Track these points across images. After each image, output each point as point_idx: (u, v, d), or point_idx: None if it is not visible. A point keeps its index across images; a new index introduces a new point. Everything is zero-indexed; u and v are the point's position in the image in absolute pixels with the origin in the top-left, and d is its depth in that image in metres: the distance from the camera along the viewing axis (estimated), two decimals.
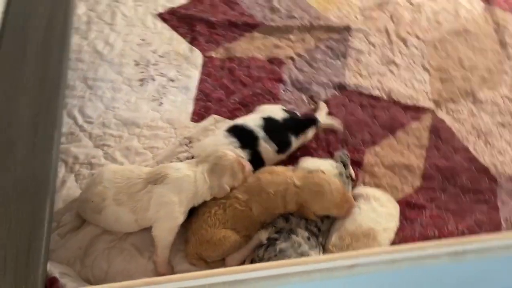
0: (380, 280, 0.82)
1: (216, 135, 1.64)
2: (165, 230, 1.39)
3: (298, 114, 1.78)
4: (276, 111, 1.71)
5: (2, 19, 1.66)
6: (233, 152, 1.51)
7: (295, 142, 1.69)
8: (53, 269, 1.38)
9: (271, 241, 1.39)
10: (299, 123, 1.71)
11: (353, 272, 0.70)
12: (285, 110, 1.73)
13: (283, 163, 1.69)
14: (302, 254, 1.35)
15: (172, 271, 1.44)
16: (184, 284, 0.98)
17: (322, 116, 1.81)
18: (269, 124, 1.64)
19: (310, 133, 1.74)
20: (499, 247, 0.81)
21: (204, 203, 1.46)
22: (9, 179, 1.31)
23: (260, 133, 1.61)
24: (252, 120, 1.66)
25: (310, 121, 1.75)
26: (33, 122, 1.44)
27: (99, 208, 1.40)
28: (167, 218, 1.38)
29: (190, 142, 1.75)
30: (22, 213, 1.27)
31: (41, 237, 1.26)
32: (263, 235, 1.41)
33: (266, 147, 1.61)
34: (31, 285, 1.18)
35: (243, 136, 1.60)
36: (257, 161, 1.58)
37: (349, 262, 0.74)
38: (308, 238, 1.39)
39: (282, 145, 1.64)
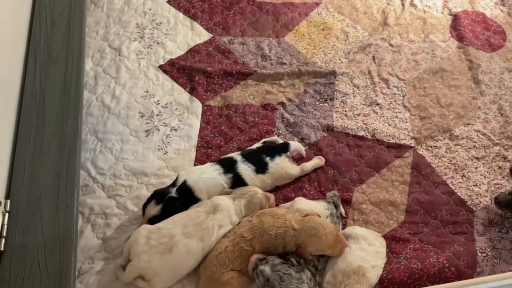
0: None
1: (204, 166, 1.90)
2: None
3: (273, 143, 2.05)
4: (254, 145, 2.04)
5: (21, 85, 1.85)
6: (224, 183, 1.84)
7: (273, 163, 1.91)
8: None
9: (289, 262, 1.57)
10: (271, 148, 1.99)
11: None
12: (264, 142, 2.03)
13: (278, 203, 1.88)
14: None
15: None
16: None
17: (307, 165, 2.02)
18: (245, 152, 1.95)
19: (283, 158, 1.95)
20: None
21: (218, 241, 1.68)
22: (38, 237, 1.48)
23: (238, 157, 1.90)
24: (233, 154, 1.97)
25: (282, 145, 2.01)
26: (55, 183, 1.61)
27: (170, 247, 1.61)
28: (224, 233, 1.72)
29: None
30: (51, 268, 1.45)
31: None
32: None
33: (245, 168, 1.87)
34: None
35: (224, 163, 1.89)
36: (239, 183, 1.85)
37: None
38: (310, 279, 1.56)
39: (259, 165, 1.90)
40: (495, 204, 1.91)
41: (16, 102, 1.77)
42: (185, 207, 1.77)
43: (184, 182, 1.80)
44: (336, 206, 1.83)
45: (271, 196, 1.84)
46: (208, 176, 1.84)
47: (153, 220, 1.71)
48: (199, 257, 1.65)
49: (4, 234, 1.45)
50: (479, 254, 1.75)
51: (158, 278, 1.59)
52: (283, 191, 1.96)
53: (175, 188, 1.79)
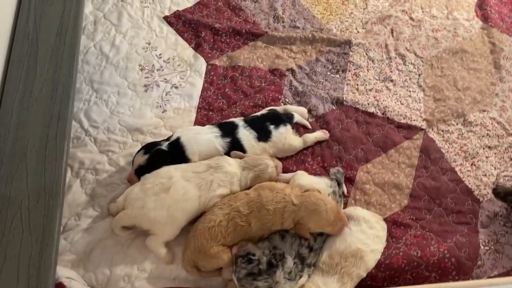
0: None
1: (202, 127, 1.81)
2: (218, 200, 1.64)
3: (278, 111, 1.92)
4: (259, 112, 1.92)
5: (13, 23, 1.70)
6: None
7: (277, 132, 1.81)
8: (60, 273, 1.47)
9: (256, 267, 1.46)
10: (277, 115, 1.87)
11: None
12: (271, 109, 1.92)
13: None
14: None
15: None
16: None
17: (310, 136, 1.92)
18: (249, 118, 1.85)
19: (288, 128, 1.86)
20: None
21: (211, 211, 1.58)
22: (22, 189, 1.39)
23: (240, 123, 1.80)
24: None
25: (286, 115, 1.90)
26: (44, 133, 1.50)
27: (167, 187, 1.56)
28: (221, 194, 1.64)
29: None
30: (34, 223, 1.36)
31: (51, 245, 1.34)
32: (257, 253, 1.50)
33: (245, 133, 1.77)
34: None
35: (223, 127, 1.79)
36: (237, 150, 1.75)
37: None
38: (290, 272, 1.48)
39: (261, 132, 1.80)
40: (493, 194, 1.82)
41: (7, 40, 1.62)
42: (174, 164, 1.67)
43: (178, 139, 1.70)
44: (339, 184, 1.74)
45: (279, 164, 1.76)
46: (204, 137, 1.73)
47: (139, 171, 1.64)
48: (195, 205, 1.58)
49: None
50: (482, 247, 1.69)
51: (157, 225, 1.53)
52: (285, 163, 1.86)
53: (167, 143, 1.70)
